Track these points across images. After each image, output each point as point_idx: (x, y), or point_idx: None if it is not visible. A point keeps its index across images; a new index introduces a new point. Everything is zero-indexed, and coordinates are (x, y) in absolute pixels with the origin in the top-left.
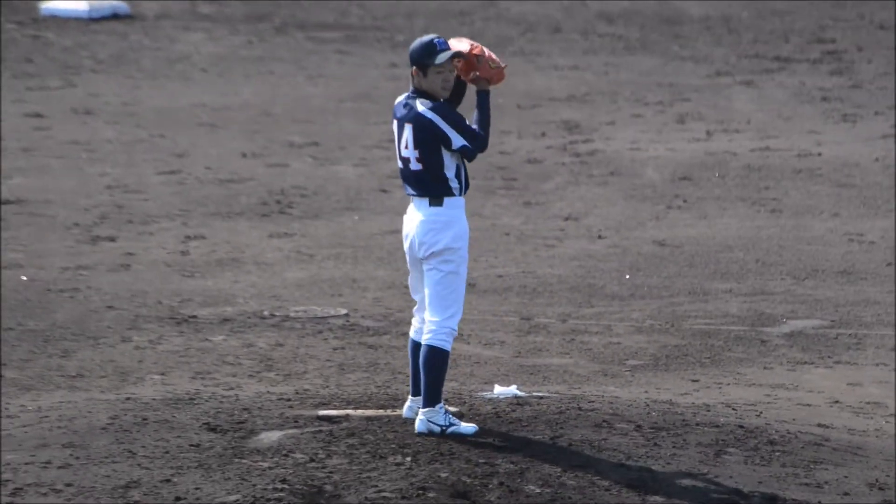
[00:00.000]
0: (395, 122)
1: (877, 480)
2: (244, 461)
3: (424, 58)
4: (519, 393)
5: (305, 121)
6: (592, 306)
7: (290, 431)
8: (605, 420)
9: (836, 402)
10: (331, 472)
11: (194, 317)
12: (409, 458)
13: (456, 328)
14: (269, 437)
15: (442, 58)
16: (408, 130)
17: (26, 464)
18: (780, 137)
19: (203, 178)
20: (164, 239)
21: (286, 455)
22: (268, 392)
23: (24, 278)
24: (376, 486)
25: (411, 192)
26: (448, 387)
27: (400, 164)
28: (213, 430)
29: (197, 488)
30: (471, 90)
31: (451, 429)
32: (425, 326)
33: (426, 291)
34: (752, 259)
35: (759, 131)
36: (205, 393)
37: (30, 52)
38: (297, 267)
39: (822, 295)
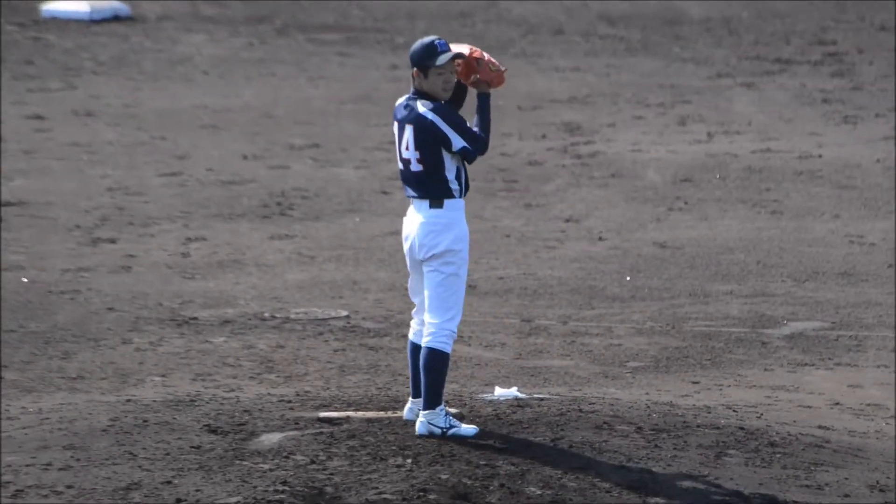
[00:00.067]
0: (396, 123)
1: (877, 482)
2: (245, 463)
3: (425, 59)
4: (519, 395)
5: (306, 122)
6: (593, 308)
7: (291, 433)
8: (605, 422)
9: (837, 403)
10: (331, 474)
11: (195, 318)
12: (409, 460)
13: (456, 330)
14: (270, 438)
15: (443, 59)
16: (408, 131)
17: (27, 466)
18: (781, 139)
19: (204, 179)
20: (165, 241)
21: (287, 457)
22: (268, 394)
23: (25, 280)
24: (377, 487)
25: (411, 193)
26: (449, 388)
27: (400, 165)
28: (214, 431)
29: (198, 490)
30: (471, 94)
31: (451, 431)
32: (425, 329)
33: (426, 293)
34: (753, 261)
35: (760, 133)
36: (205, 395)
37: (31, 54)
38: (298, 269)
39: (822, 297)
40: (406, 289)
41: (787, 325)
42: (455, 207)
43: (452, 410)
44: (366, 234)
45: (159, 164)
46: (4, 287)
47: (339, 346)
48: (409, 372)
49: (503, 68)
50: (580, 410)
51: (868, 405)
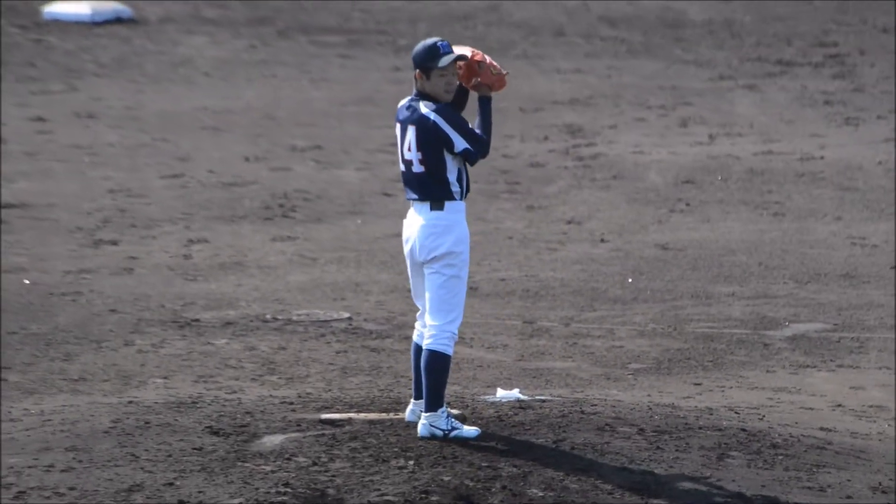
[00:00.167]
0: (398, 124)
1: (879, 484)
2: (247, 465)
3: (427, 61)
4: (521, 396)
5: (308, 124)
6: (595, 310)
7: (293, 435)
8: (607, 423)
9: (839, 405)
10: (333, 476)
11: (197, 320)
12: (411, 462)
13: (457, 332)
14: (272, 440)
15: (445, 61)
16: (411, 132)
17: (29, 467)
18: (783, 141)
19: (206, 181)
20: (167, 242)
21: (289, 459)
22: (270, 395)
23: (27, 282)
24: (379, 489)
25: (412, 196)
26: (451, 390)
27: (402, 167)
28: (216, 433)
29: (200, 492)
30: (472, 97)
31: (453, 432)
32: (426, 331)
33: (427, 295)
34: (755, 262)
35: (762, 135)
36: (207, 396)
37: (32, 56)
38: (300, 270)
39: (824, 298)
40: (408, 290)
41: (789, 327)
42: (456, 209)
43: (454, 412)
44: (368, 236)
45: (161, 166)
46: (6, 289)
47: (340, 348)
48: (411, 373)
49: (504, 72)
50: (582, 412)
51: (870, 407)
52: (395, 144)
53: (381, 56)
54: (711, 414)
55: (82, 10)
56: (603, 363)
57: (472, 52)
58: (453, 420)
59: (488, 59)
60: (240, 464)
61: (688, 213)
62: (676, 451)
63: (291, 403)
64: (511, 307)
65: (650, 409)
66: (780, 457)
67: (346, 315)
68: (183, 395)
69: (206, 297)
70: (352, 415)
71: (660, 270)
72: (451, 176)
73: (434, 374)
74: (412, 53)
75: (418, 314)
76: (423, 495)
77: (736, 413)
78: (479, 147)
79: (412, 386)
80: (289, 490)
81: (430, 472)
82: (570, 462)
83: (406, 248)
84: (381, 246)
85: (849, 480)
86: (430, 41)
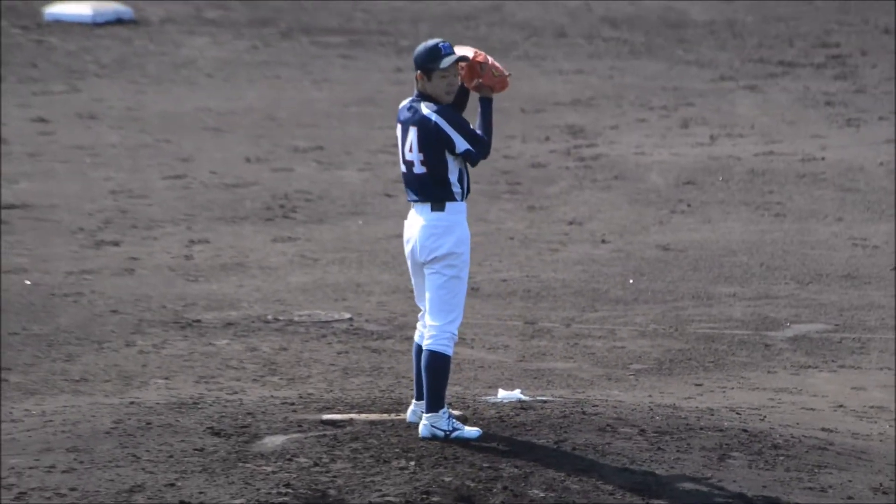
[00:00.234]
0: (399, 125)
1: (881, 485)
2: (248, 465)
3: (429, 62)
4: (523, 397)
5: (310, 125)
6: (596, 310)
7: (294, 436)
8: (608, 424)
9: (840, 406)
10: (335, 477)
11: (198, 321)
12: (412, 463)
13: (457, 333)
14: (273, 441)
15: (447, 62)
16: (412, 133)
17: (30, 468)
18: (784, 142)
19: (208, 182)
20: (169, 243)
21: (290, 459)
22: (272, 396)
23: (29, 282)
24: (380, 490)
25: (413, 197)
26: (452, 391)
27: (403, 168)
28: (217, 434)
29: (201, 492)
30: (473, 98)
31: (454, 433)
32: (426, 331)
33: (427, 295)
34: (756, 263)
35: (763, 136)
36: (209, 397)
37: (34, 57)
38: (302, 271)
39: (825, 299)
40: (409, 291)
41: (791, 328)
42: (457, 210)
43: (456, 413)
44: (369, 237)
45: (163, 167)
46: (8, 289)
47: (342, 349)
48: (412, 374)
49: (507, 73)
50: (583, 413)
51: (871, 407)
52: (397, 145)
53: (382, 57)
54: (713, 415)
55: (84, 10)
56: (604, 364)
57: (475, 52)
58: (454, 421)
59: (490, 59)
60: (241, 464)
61: (689, 214)
62: (678, 451)
63: (293, 404)
64: (512, 308)
65: (651, 409)
66: (782, 457)
67: (348, 316)
68: (184, 396)
69: (208, 298)
70: (353, 415)
71: (661, 271)
72: (453, 177)
73: (434, 374)
74: (413, 54)
75: (420, 315)
76: (425, 496)
77: (737, 414)
78: (480, 148)
79: (413, 387)
80: (290, 491)
81: (431, 472)
82: (571, 463)
83: (407, 249)
84: (383, 246)
85: (850, 481)
86: (431, 42)
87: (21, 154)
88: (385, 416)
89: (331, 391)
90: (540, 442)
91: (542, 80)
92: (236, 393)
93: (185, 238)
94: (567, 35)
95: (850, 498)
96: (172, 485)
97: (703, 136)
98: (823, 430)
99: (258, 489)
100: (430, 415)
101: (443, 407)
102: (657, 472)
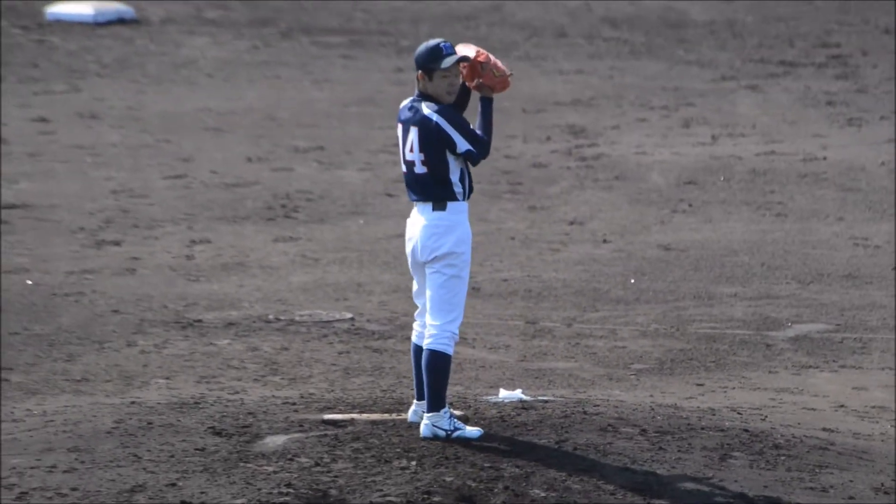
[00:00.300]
0: (400, 125)
1: (882, 485)
2: (249, 465)
3: (430, 62)
4: (524, 397)
5: (311, 125)
6: (597, 310)
7: (296, 435)
8: (610, 424)
9: (841, 406)
10: (336, 477)
11: (199, 321)
12: (414, 463)
13: (457, 332)
14: (275, 441)
15: (448, 62)
16: (413, 133)
17: (31, 468)
18: (785, 142)
19: (208, 182)
20: (170, 243)
21: (291, 459)
22: (273, 396)
23: (30, 282)
24: (381, 490)
25: (414, 197)
26: (453, 391)
27: (404, 167)
28: (219, 434)
29: (202, 492)
30: (474, 97)
31: (456, 433)
32: (426, 331)
33: (428, 294)
34: (758, 263)
35: (764, 135)
36: (210, 397)
37: (35, 57)
38: (303, 271)
39: (827, 299)
40: (411, 291)
41: (792, 328)
42: (458, 210)
43: (457, 413)
44: (370, 237)
45: (163, 167)
46: (9, 289)
47: (343, 349)
48: (413, 374)
49: (509, 73)
50: (584, 413)
51: (872, 407)
52: (397, 145)
53: (383, 57)
54: (714, 414)
55: (85, 10)
56: (605, 364)
57: (477, 51)
58: (456, 420)
59: (492, 59)
60: (242, 464)
61: (690, 214)
62: (679, 451)
63: (294, 404)
64: (513, 308)
65: (652, 409)
66: (783, 457)
67: (349, 315)
68: (185, 396)
69: (209, 298)
70: (354, 415)
71: (662, 271)
72: (454, 176)
73: (435, 373)
74: (414, 54)
75: (416, 313)
76: (426, 496)
77: (738, 414)
78: (480, 148)
79: (414, 386)
80: (291, 491)
81: (432, 472)
82: (572, 462)
83: (408, 248)
84: (384, 246)
85: (851, 481)
86: (432, 42)
87: (22, 154)
88: (386, 416)
89: (332, 391)
90: (541, 442)
91: (542, 81)
92: (237, 393)
93: (186, 238)
94: (567, 35)
95: (851, 498)
96: (174, 485)
97: (705, 136)
98: (825, 430)
99: (259, 489)
100: (431, 414)
101: (444, 406)
102: (658, 471)
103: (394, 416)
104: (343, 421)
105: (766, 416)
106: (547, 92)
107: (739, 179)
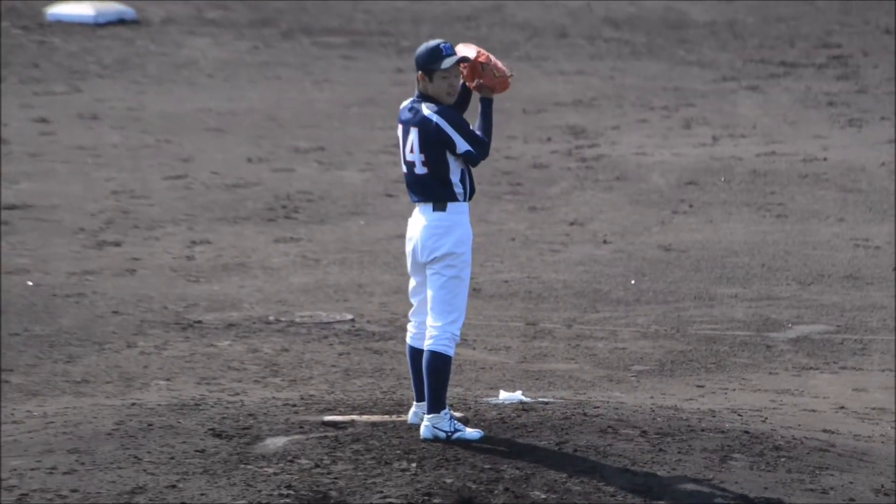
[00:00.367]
0: (400, 126)
1: (882, 486)
2: (249, 467)
3: (430, 63)
4: (524, 398)
5: (311, 126)
6: (598, 311)
7: (296, 437)
8: (610, 426)
9: (842, 407)
10: (336, 478)
11: (200, 322)
12: (414, 464)
13: (458, 333)
14: (275, 442)
15: (448, 63)
16: (413, 134)
17: (32, 469)
18: (786, 142)
19: (209, 183)
20: (170, 244)
21: (291, 461)
22: (273, 398)
23: (30, 283)
24: (381, 491)
25: (415, 198)
26: (453, 392)
27: (404, 168)
28: (219, 435)
29: (202, 494)
30: (474, 99)
31: (456, 434)
32: (427, 332)
33: (429, 294)
34: (758, 264)
35: (765, 136)
36: (210, 398)
37: (36, 58)
38: (303, 272)
39: (827, 300)
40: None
41: (792, 329)
42: (458, 211)
43: (457, 414)
44: (370, 238)
45: (164, 167)
46: (9, 290)
47: (343, 350)
48: (410, 376)
49: (509, 73)
50: (585, 414)
51: (873, 409)
52: (398, 146)
53: (383, 57)
54: (714, 416)
55: (85, 11)
56: (605, 365)
57: (478, 51)
58: (456, 422)
59: (493, 59)
60: (242, 466)
61: (690, 215)
62: (679, 453)
63: (294, 405)
64: (513, 309)
65: (653, 411)
66: (783, 459)
67: (349, 317)
68: (185, 397)
69: (209, 299)
70: (354, 417)
71: (662, 272)
72: (454, 177)
73: (435, 375)
74: (415, 55)
75: (410, 312)
76: (426, 497)
77: (739, 415)
78: (480, 149)
79: (412, 388)
80: (291, 492)
81: (432, 474)
82: (572, 464)
83: (408, 248)
84: (384, 247)
85: (851, 483)
86: (432, 43)
87: (22, 154)
88: (386, 418)
89: (332, 392)
90: (541, 443)
91: (543, 81)
92: (238, 394)
93: (186, 238)
94: (568, 35)
95: (851, 499)
96: (174, 486)
97: (705, 137)
98: (825, 431)
99: (259, 491)
100: (431, 416)
101: (444, 408)
102: (659, 473)
103: (394, 417)
104: (343, 422)
105: (767, 418)
106: (547, 92)
107: (740, 180)
